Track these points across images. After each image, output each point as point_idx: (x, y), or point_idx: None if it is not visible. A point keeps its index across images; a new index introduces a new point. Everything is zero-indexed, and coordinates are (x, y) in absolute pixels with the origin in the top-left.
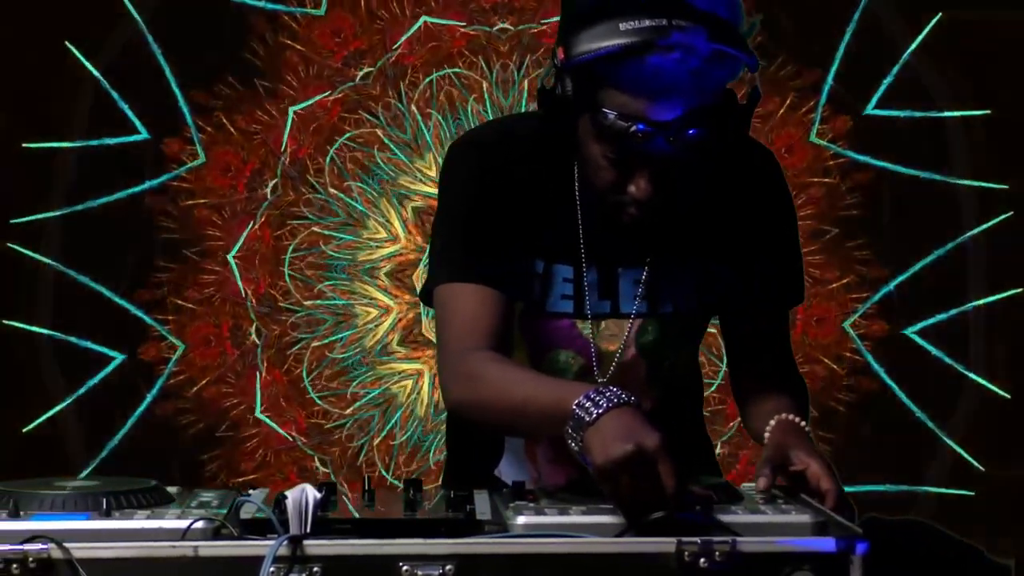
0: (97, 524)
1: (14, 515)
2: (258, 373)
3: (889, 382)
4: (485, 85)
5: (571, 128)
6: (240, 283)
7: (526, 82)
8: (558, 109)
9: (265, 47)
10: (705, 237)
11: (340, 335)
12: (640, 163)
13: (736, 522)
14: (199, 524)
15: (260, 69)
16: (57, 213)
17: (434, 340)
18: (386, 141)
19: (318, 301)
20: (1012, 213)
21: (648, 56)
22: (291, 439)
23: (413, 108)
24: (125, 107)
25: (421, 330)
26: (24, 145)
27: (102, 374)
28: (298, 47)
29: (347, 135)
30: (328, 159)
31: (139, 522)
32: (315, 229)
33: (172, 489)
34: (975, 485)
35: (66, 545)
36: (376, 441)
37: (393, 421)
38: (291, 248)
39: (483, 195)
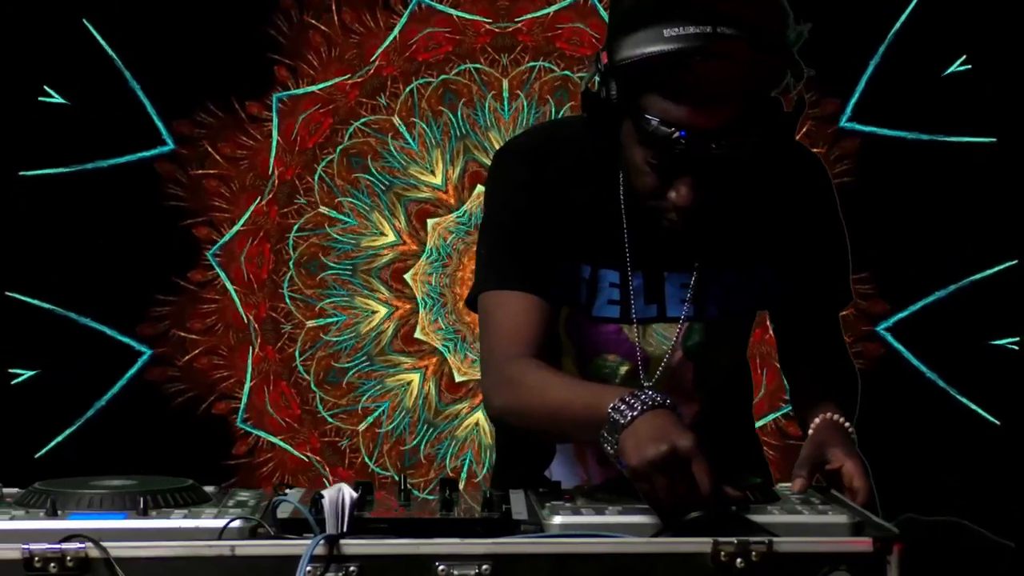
0: (134, 523)
1: (52, 514)
2: (250, 348)
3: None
4: (475, 88)
5: (614, 132)
6: (241, 309)
7: (528, 86)
8: (601, 113)
9: (289, 25)
10: (751, 241)
11: (343, 336)
12: (681, 169)
13: (772, 522)
14: (236, 523)
15: (282, 46)
16: (65, 170)
17: (429, 340)
18: (401, 128)
19: (322, 298)
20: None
21: (691, 63)
22: (284, 424)
23: (420, 108)
24: (157, 119)
25: (420, 329)
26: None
27: (131, 371)
28: (322, 27)
29: (341, 146)
30: (334, 158)
31: (176, 521)
32: (322, 210)
33: (209, 488)
34: None
35: (103, 544)
36: (382, 440)
37: (380, 410)
38: (296, 227)
39: (528, 202)
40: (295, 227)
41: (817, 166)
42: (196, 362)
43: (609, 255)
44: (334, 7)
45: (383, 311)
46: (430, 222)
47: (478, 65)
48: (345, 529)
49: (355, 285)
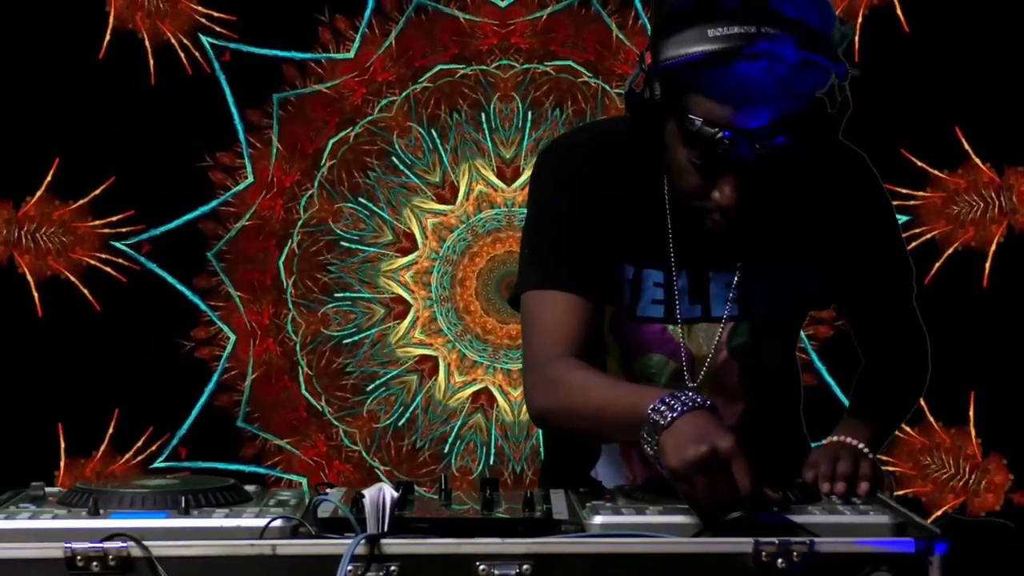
0: (176, 522)
1: (94, 513)
2: (251, 340)
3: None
4: (484, 114)
5: (658, 132)
6: (245, 316)
7: (531, 110)
8: (645, 113)
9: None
10: (797, 240)
11: (345, 333)
12: (725, 169)
13: (814, 522)
14: (277, 523)
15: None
16: (136, 239)
17: (430, 339)
18: (401, 167)
19: (347, 293)
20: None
21: (735, 63)
22: (319, 409)
23: (432, 131)
24: (246, 154)
25: (433, 324)
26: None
27: (221, 367)
28: (325, 90)
29: (368, 119)
30: (358, 171)
31: (218, 520)
32: (343, 243)
33: (250, 488)
34: None
35: (145, 543)
36: (401, 422)
37: (370, 399)
38: (322, 260)
39: (572, 201)
40: (299, 222)
41: (861, 162)
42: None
43: (653, 255)
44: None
45: (383, 311)
46: (430, 223)
47: (476, 67)
48: (386, 529)
49: (357, 286)
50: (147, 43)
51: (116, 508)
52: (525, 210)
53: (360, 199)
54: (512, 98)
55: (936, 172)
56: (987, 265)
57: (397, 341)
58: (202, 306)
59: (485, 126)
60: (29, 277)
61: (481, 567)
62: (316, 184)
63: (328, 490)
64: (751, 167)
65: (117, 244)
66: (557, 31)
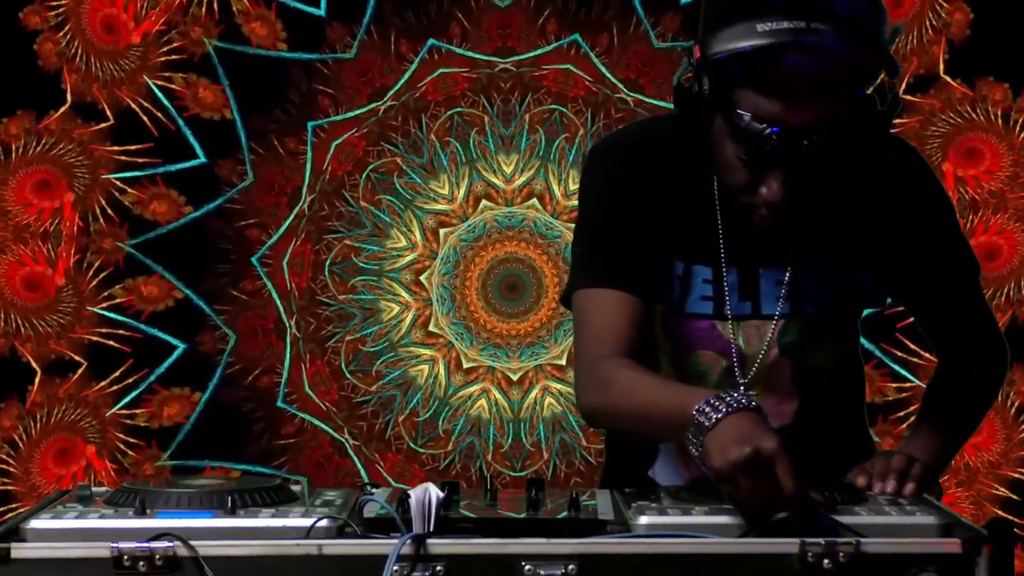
0: (222, 522)
1: (140, 513)
2: (287, 330)
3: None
4: (487, 119)
5: (706, 127)
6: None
7: (527, 116)
8: (693, 108)
9: (300, 95)
10: (849, 238)
11: (368, 330)
12: (773, 165)
13: (860, 523)
14: (323, 523)
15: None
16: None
17: (442, 332)
18: (404, 167)
19: (350, 296)
20: None
21: (784, 58)
22: (325, 408)
23: (432, 137)
24: (189, 134)
25: (435, 323)
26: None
27: (167, 362)
28: (329, 90)
29: (371, 166)
30: (364, 176)
31: (264, 520)
32: (347, 242)
33: (296, 487)
34: None
35: (192, 543)
36: (401, 418)
37: (416, 400)
38: (328, 261)
39: (621, 199)
40: (327, 261)
41: (913, 156)
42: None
43: (702, 251)
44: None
45: (401, 308)
46: (442, 232)
47: (472, 104)
48: (432, 528)
49: (379, 287)
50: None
51: (163, 508)
52: (524, 212)
53: (364, 203)
54: (509, 108)
55: (909, 97)
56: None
57: (400, 339)
58: (207, 310)
59: (488, 132)
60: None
61: (527, 567)
62: (317, 189)
63: (374, 490)
64: (799, 163)
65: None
66: (548, 69)
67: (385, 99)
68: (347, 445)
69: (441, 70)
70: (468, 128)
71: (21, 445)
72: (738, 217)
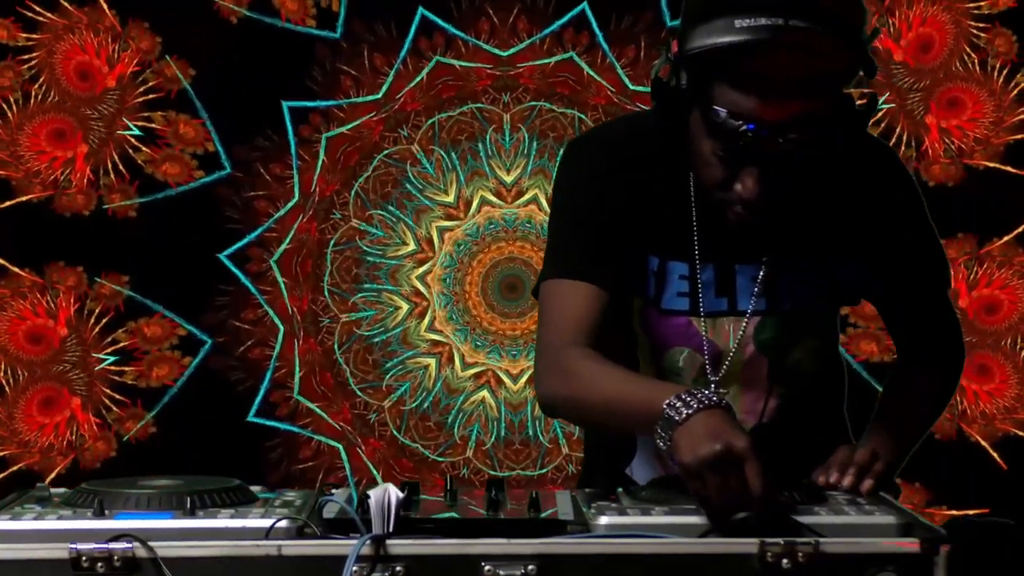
0: (181, 523)
1: (99, 514)
2: (295, 340)
3: None
4: (488, 120)
5: (683, 122)
6: (287, 300)
7: (526, 117)
8: (670, 102)
9: (323, 72)
10: (825, 235)
11: (369, 330)
12: (748, 162)
13: (819, 523)
14: (282, 523)
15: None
16: (142, 200)
17: (443, 331)
18: (406, 168)
19: (352, 297)
20: None
21: (761, 55)
22: (322, 392)
23: (432, 138)
24: (218, 143)
25: (436, 323)
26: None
27: (196, 361)
28: (352, 71)
29: (372, 167)
30: (365, 177)
31: (223, 521)
32: (353, 224)
33: (255, 488)
34: None
35: (151, 544)
36: (401, 417)
37: (417, 399)
38: (332, 242)
39: (596, 192)
40: (331, 242)
41: (890, 156)
42: (250, 352)
43: (678, 247)
44: (366, 53)
45: (405, 307)
46: (443, 233)
47: (480, 105)
48: (391, 529)
49: (380, 287)
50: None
51: (121, 509)
52: (529, 219)
53: (385, 215)
54: (517, 128)
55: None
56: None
57: (416, 332)
58: (209, 342)
59: (493, 151)
60: None
61: (487, 568)
62: (351, 201)
63: (333, 491)
64: (775, 160)
65: None
66: (562, 76)
67: (380, 94)
68: (341, 446)
69: (443, 62)
70: (469, 129)
71: (7, 390)
72: (714, 213)
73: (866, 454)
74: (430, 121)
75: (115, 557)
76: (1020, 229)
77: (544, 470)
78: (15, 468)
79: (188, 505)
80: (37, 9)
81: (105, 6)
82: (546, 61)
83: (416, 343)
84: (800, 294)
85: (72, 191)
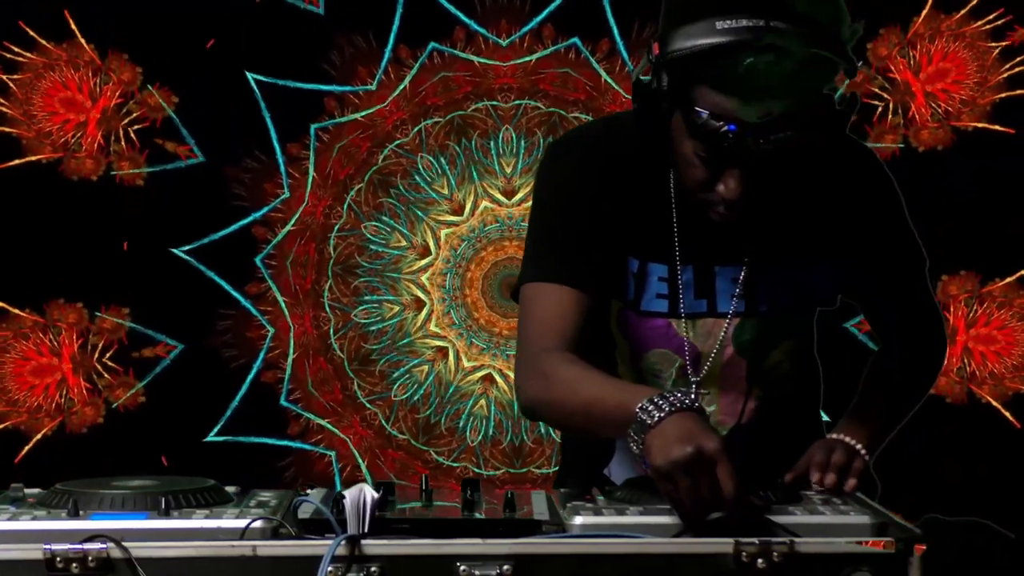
0: (156, 524)
1: (74, 514)
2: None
3: None
4: (488, 122)
5: (664, 123)
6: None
7: (526, 119)
8: (652, 104)
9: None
10: (805, 236)
11: (371, 330)
12: (730, 163)
13: (794, 523)
14: (257, 524)
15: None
16: (150, 169)
17: (443, 331)
18: (407, 169)
19: (353, 297)
20: None
21: (743, 56)
22: (329, 407)
23: (433, 140)
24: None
25: (437, 322)
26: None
27: (165, 362)
28: (360, 119)
29: (373, 168)
30: (366, 177)
31: (198, 522)
32: (351, 244)
33: (231, 489)
34: None
35: (125, 544)
36: (402, 416)
37: (418, 398)
38: (331, 262)
39: (576, 195)
40: (331, 258)
41: (870, 158)
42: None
43: (658, 249)
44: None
45: (406, 307)
46: (444, 233)
47: (480, 105)
48: (366, 529)
49: (382, 287)
50: None
51: (96, 509)
52: (524, 220)
53: (385, 215)
54: (512, 129)
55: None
56: None
57: (416, 332)
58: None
59: (493, 152)
60: None
61: (462, 568)
62: (346, 204)
63: (309, 491)
64: (756, 161)
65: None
66: (544, 72)
67: (386, 100)
68: (349, 442)
69: (443, 73)
70: (470, 131)
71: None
72: (694, 215)
73: (843, 455)
74: (429, 122)
75: (90, 558)
76: (1022, 273)
77: (556, 468)
78: (1, 427)
79: (163, 505)
80: (16, 50)
81: (83, 41)
82: (541, 56)
83: (417, 343)
84: (780, 296)
85: (82, 155)
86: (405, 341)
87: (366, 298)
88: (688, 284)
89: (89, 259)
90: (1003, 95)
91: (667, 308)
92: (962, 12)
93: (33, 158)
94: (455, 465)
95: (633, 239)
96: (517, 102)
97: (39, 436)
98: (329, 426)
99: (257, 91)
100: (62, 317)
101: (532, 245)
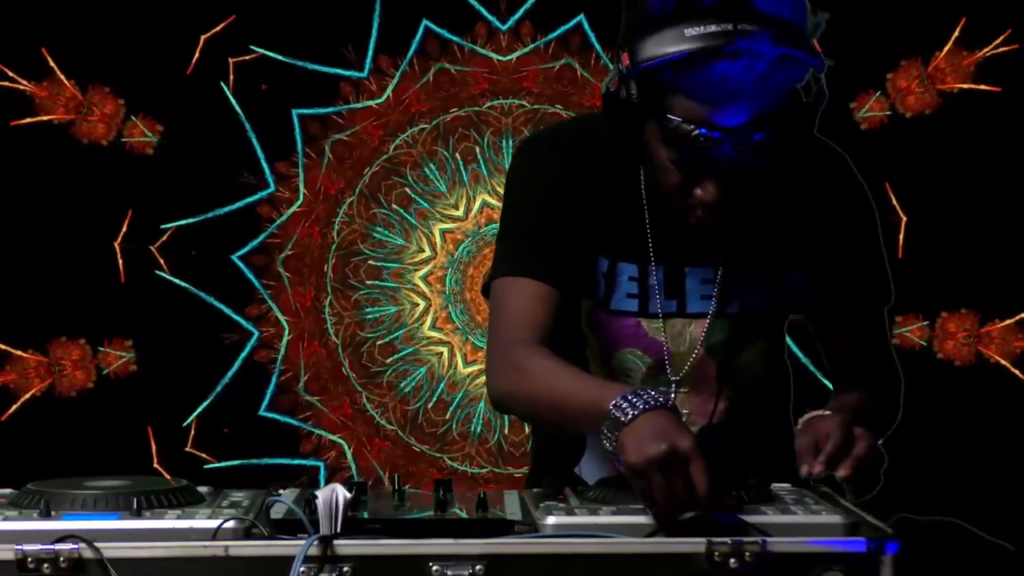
0: (128, 524)
1: (45, 515)
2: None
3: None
4: (489, 123)
5: (637, 131)
6: (289, 296)
7: (526, 120)
8: (623, 113)
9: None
10: (775, 238)
11: (371, 329)
12: (706, 167)
13: (767, 522)
14: (230, 524)
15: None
16: (189, 220)
17: (444, 331)
18: (408, 171)
19: (354, 297)
20: None
21: (714, 62)
22: (340, 423)
23: (435, 141)
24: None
25: (438, 322)
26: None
27: (243, 354)
28: (345, 137)
29: (374, 168)
30: (368, 178)
31: (170, 522)
32: (353, 243)
33: (203, 489)
34: None
35: (97, 545)
36: (403, 415)
37: (420, 397)
38: (333, 262)
39: (547, 192)
40: (333, 247)
41: (843, 162)
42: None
43: (629, 249)
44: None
45: (407, 306)
46: (445, 234)
47: (480, 108)
48: (339, 529)
49: (383, 287)
50: None
51: (68, 509)
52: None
53: (387, 217)
54: (519, 131)
55: None
56: None
57: (418, 331)
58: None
59: (491, 154)
60: None
61: (434, 568)
62: (345, 206)
63: (281, 491)
64: (732, 164)
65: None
66: (525, 71)
67: (385, 98)
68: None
69: (443, 65)
70: (470, 133)
71: None
72: (665, 215)
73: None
74: (434, 122)
75: (61, 558)
76: (1021, 316)
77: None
78: None
79: (135, 506)
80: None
81: (63, 77)
82: (549, 66)
83: (418, 342)
84: (749, 298)
85: (94, 119)
86: (407, 339)
87: (367, 298)
88: (658, 284)
89: (90, 295)
90: (987, 52)
91: (637, 308)
92: (984, 51)
93: (45, 117)
94: (478, 472)
95: (604, 238)
96: (535, 106)
97: (27, 396)
98: (328, 433)
99: (242, 115)
100: (66, 355)
101: (504, 241)
